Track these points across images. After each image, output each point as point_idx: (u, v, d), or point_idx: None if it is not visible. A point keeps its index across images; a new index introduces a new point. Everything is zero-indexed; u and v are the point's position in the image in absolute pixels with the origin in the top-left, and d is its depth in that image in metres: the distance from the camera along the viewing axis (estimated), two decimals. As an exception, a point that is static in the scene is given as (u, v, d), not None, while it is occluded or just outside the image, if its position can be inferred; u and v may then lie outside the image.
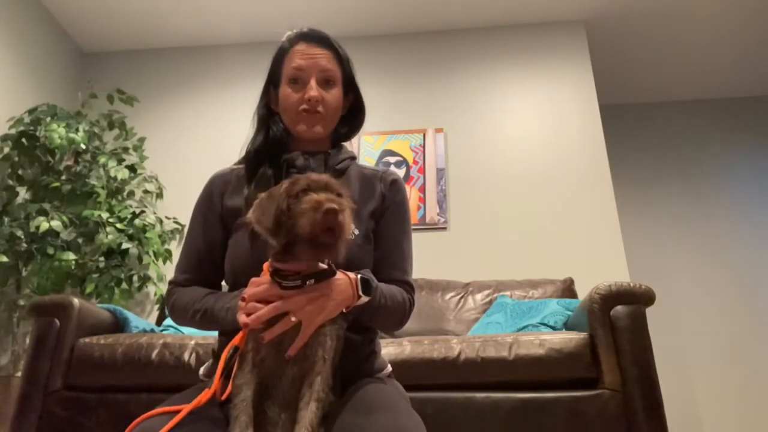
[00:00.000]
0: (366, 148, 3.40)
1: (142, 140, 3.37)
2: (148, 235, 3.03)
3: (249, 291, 0.89)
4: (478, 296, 2.64)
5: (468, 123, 3.45)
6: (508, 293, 2.60)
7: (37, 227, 2.72)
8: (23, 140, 3.02)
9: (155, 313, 3.17)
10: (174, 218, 3.30)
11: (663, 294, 2.57)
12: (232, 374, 0.87)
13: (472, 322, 2.50)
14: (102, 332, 1.91)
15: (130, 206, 3.18)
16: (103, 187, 3.04)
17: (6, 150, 3.02)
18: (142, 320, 2.18)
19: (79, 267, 2.89)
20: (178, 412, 0.83)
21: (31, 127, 3.04)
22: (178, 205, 3.32)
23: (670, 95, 4.32)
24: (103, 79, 3.70)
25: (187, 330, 2.10)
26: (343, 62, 1.18)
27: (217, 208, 1.13)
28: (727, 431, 3.40)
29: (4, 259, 2.71)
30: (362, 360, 1.06)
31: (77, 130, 3.05)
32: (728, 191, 4.05)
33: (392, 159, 3.37)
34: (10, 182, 3.03)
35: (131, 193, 3.32)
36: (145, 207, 3.32)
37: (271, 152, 1.14)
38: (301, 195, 0.85)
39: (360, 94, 1.22)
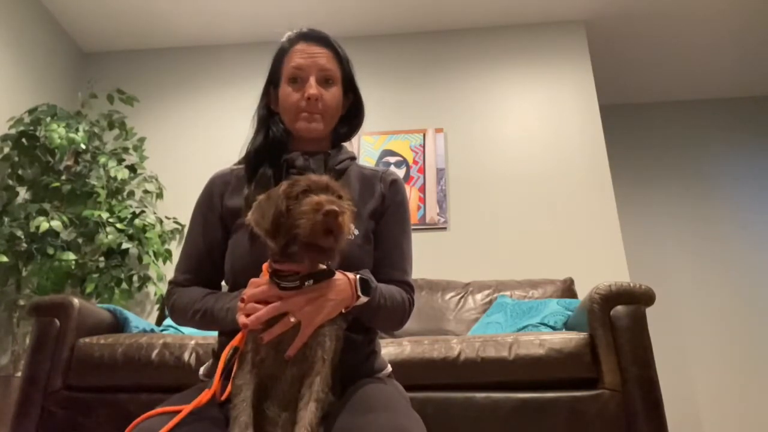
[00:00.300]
0: (366, 148, 3.40)
1: (142, 140, 3.37)
2: (148, 235, 3.03)
3: (248, 292, 0.89)
4: (478, 296, 2.64)
5: (468, 123, 3.45)
6: (508, 293, 2.60)
7: (37, 227, 2.72)
8: (23, 140, 3.02)
9: (155, 313, 3.17)
10: (174, 218, 3.30)
11: (663, 294, 2.57)
12: (232, 374, 0.88)
13: (472, 322, 2.50)
14: (102, 332, 1.91)
15: (130, 206, 3.18)
16: (103, 187, 3.04)
17: (6, 150, 3.02)
18: (142, 320, 2.19)
19: (79, 267, 2.89)
20: (177, 412, 0.83)
21: (31, 127, 3.04)
22: (178, 205, 3.32)
23: (670, 95, 4.32)
24: (103, 79, 3.70)
25: (187, 330, 2.10)
26: (343, 62, 1.18)
27: (217, 208, 1.13)
28: (727, 431, 3.40)
29: (4, 259, 2.71)
30: (362, 360, 1.06)
31: (77, 130, 3.05)
32: (728, 191, 4.05)
33: (392, 159, 3.37)
34: (10, 182, 3.03)
35: (131, 193, 3.32)
36: (145, 207, 3.32)
37: (271, 152, 1.14)
38: (300, 196, 0.85)
39: (359, 94, 1.22)
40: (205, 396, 0.85)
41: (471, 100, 3.51)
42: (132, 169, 3.21)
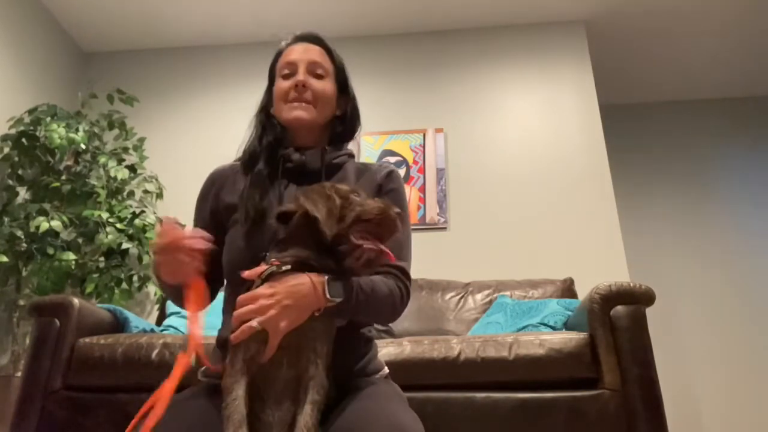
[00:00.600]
0: (366, 148, 3.40)
1: (142, 140, 3.36)
2: (148, 235, 3.03)
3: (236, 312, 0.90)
4: (478, 296, 2.64)
5: (468, 123, 3.45)
6: (508, 293, 2.60)
7: (37, 227, 2.72)
8: (23, 140, 3.02)
9: (155, 313, 3.17)
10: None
11: (663, 294, 2.57)
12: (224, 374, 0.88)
13: (472, 322, 2.50)
14: (102, 332, 1.91)
15: (130, 206, 3.17)
16: (103, 187, 3.04)
17: (6, 150, 3.02)
18: (142, 320, 2.19)
19: (79, 267, 2.89)
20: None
21: (31, 127, 3.03)
22: (178, 205, 3.28)
23: (670, 95, 4.32)
24: (103, 79, 3.70)
25: (187, 330, 2.10)
26: (335, 59, 1.21)
27: (212, 203, 1.16)
28: (727, 431, 3.40)
29: (4, 259, 2.70)
30: (358, 361, 1.05)
31: (77, 130, 3.05)
32: (729, 191, 4.05)
33: (392, 159, 3.37)
34: (10, 182, 3.03)
35: (131, 193, 3.32)
36: (145, 207, 3.31)
37: (268, 151, 1.15)
38: (351, 198, 0.94)
39: (353, 96, 1.23)
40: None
41: (471, 100, 3.51)
42: (132, 169, 3.21)
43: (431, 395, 1.59)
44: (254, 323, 0.85)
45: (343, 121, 1.22)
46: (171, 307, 2.59)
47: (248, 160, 1.16)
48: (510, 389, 1.59)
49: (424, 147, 3.38)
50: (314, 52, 1.18)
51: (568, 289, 2.60)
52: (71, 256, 2.80)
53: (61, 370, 1.77)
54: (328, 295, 0.89)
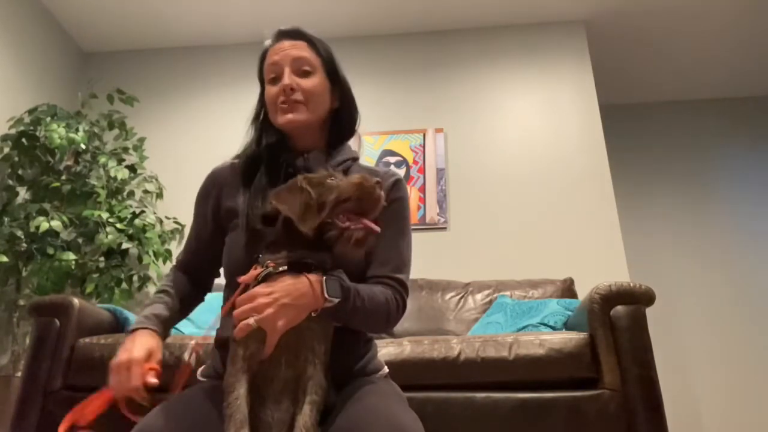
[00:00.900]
0: (366, 148, 3.40)
1: (142, 140, 3.36)
2: (148, 235, 3.03)
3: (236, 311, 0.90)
4: (478, 296, 2.64)
5: (468, 123, 3.45)
6: (508, 293, 2.60)
7: (37, 227, 2.72)
8: (23, 140, 3.02)
9: (155, 313, 3.16)
10: (174, 218, 3.30)
11: (663, 294, 2.57)
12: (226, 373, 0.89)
13: (472, 322, 2.50)
14: (102, 332, 1.91)
15: (130, 206, 3.17)
16: (103, 187, 3.04)
17: (6, 150, 3.02)
18: (142, 320, 2.18)
19: (79, 267, 2.89)
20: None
21: (31, 127, 3.03)
22: (178, 205, 3.32)
23: (670, 95, 4.32)
24: (103, 79, 3.70)
25: (187, 330, 2.10)
26: (320, 50, 1.17)
27: (212, 205, 1.16)
28: (726, 431, 3.40)
29: (4, 259, 2.70)
30: (357, 361, 1.05)
31: (77, 130, 3.05)
32: (729, 191, 4.05)
33: (392, 159, 3.37)
34: (10, 182, 3.03)
35: (131, 193, 3.32)
36: (145, 207, 3.32)
37: (269, 156, 1.14)
38: (325, 182, 0.93)
39: (347, 84, 1.20)
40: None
41: (471, 100, 3.51)
42: (132, 169, 3.21)
43: (431, 395, 1.59)
44: (251, 321, 0.85)
45: (341, 113, 1.20)
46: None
47: (249, 166, 1.14)
48: (510, 389, 1.59)
49: (424, 147, 3.38)
50: (294, 49, 1.14)
51: (568, 289, 2.60)
52: (71, 256, 2.80)
53: (61, 370, 1.77)
54: (326, 294, 0.89)
